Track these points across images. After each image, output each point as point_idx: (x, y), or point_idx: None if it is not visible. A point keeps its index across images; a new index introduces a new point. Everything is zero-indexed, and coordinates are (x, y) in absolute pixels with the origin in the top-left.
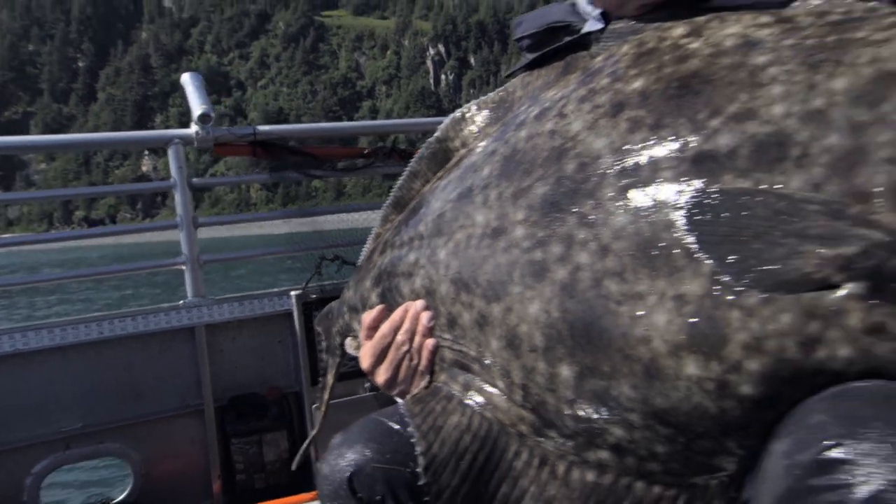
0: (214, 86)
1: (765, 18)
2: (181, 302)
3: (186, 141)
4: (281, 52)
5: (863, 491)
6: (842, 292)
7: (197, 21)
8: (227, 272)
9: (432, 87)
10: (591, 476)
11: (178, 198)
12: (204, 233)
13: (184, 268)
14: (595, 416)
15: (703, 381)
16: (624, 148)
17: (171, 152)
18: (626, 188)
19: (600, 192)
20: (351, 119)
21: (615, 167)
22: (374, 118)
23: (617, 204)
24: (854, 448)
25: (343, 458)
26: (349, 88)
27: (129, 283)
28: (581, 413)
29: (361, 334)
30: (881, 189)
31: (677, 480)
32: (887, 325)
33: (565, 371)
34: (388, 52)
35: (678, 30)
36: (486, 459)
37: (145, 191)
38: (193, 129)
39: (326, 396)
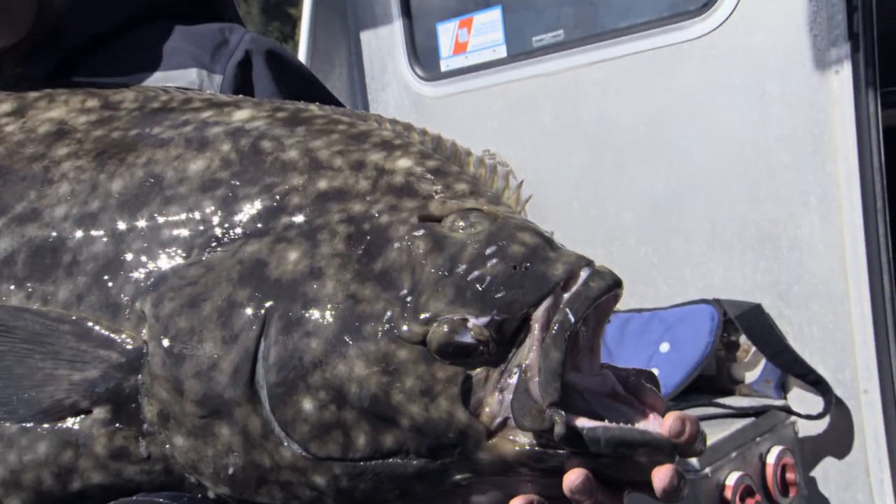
0: None
1: (92, 102)
2: None
3: None
4: None
5: None
6: (89, 419)
7: None
8: None
9: None
10: None
11: None
12: None
13: None
14: None
15: None
16: None
17: None
18: None
19: None
20: None
21: None
22: None
23: None
24: None
25: None
26: None
27: None
28: None
29: None
30: (127, 300)
31: None
32: (129, 448)
33: None
34: None
35: (5, 105)
36: None
37: None
38: None
39: None
